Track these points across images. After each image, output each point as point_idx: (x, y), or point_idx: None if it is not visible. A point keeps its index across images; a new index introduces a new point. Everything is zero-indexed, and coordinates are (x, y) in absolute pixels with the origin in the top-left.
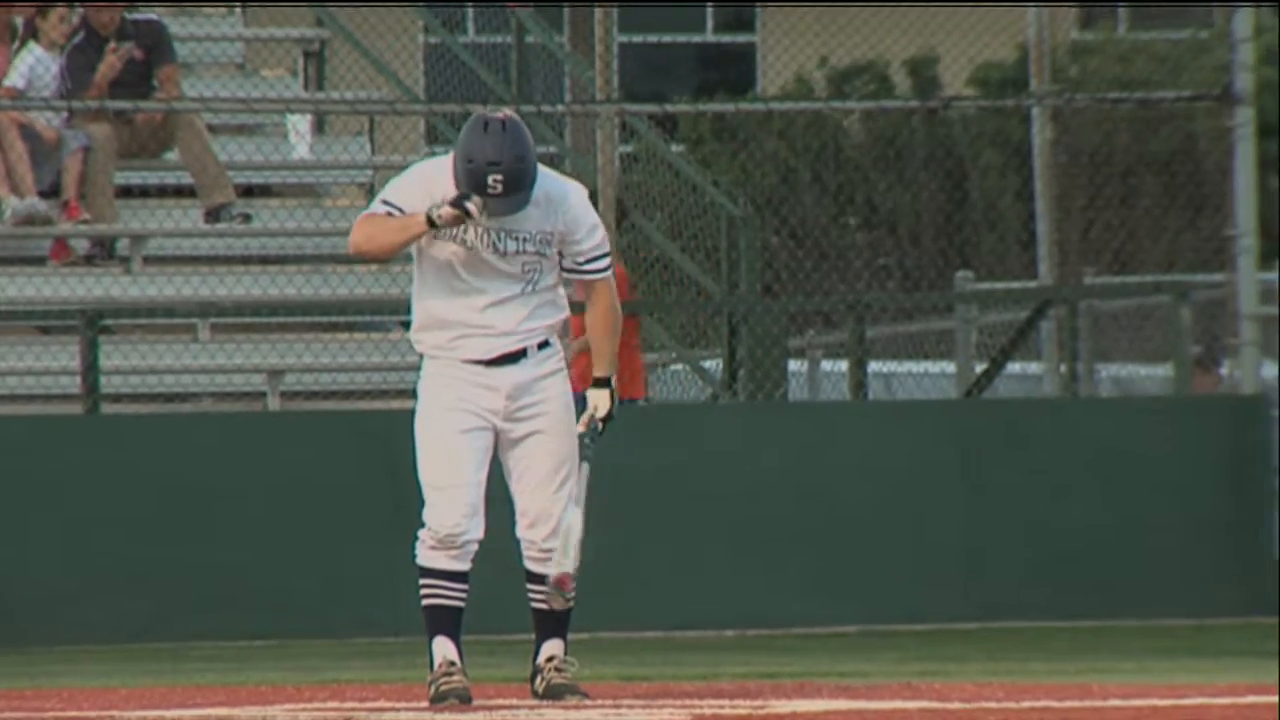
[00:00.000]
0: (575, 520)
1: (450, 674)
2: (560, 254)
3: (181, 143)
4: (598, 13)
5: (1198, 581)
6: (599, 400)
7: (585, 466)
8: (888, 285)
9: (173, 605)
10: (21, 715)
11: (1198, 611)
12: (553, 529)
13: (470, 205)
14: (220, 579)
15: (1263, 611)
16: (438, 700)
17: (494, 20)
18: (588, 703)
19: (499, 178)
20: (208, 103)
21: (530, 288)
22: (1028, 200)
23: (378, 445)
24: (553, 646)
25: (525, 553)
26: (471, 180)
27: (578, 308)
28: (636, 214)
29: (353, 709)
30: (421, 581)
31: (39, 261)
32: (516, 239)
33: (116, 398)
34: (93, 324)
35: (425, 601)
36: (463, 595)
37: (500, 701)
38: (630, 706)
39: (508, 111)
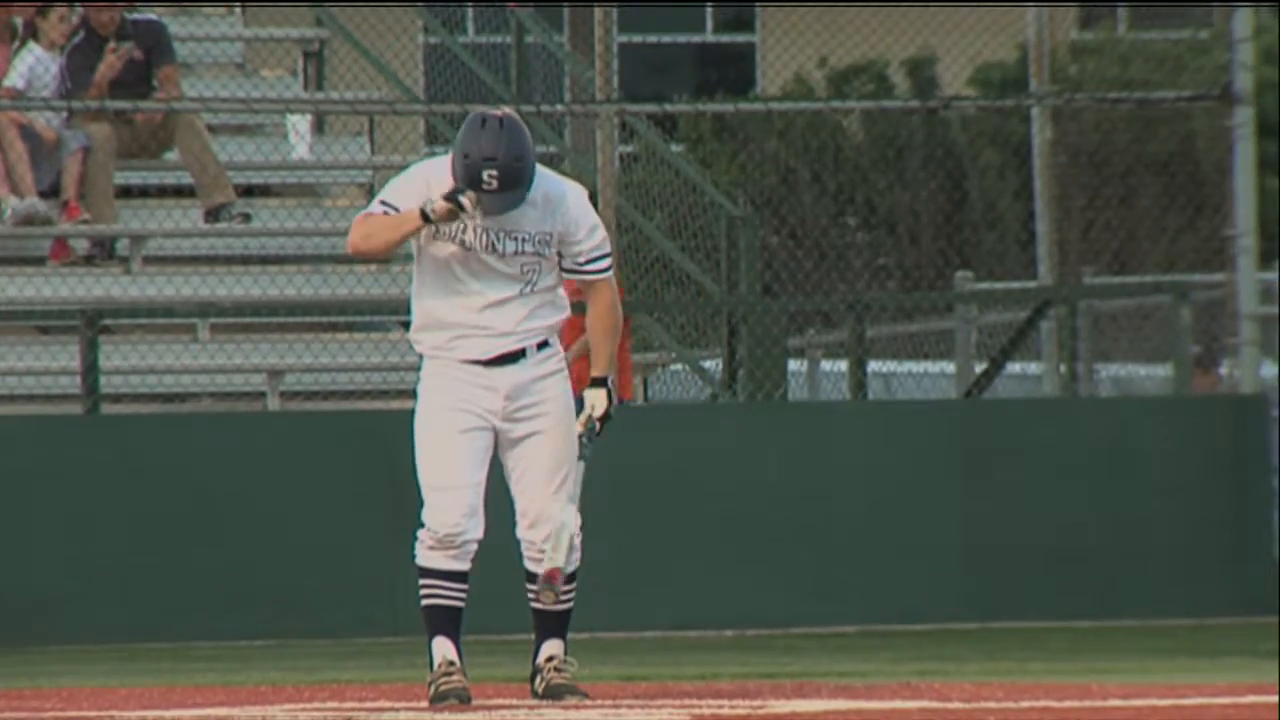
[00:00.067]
0: (568, 517)
1: (450, 674)
2: (560, 254)
3: (181, 143)
4: (597, 13)
5: (1197, 581)
6: (596, 400)
7: (581, 465)
8: (887, 285)
9: (173, 605)
10: (22, 715)
11: (1197, 611)
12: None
13: (464, 199)
14: (220, 579)
15: (1262, 611)
16: (437, 700)
17: (494, 20)
18: (587, 703)
19: (494, 174)
20: (207, 103)
21: (529, 288)
22: (1027, 200)
23: (377, 445)
24: (552, 646)
25: (525, 553)
26: (468, 176)
27: (578, 308)
28: (632, 212)
29: (353, 709)
30: (421, 581)
31: (39, 261)
32: (515, 239)
33: (116, 398)
34: (93, 324)
35: (425, 601)
36: (462, 595)
37: (500, 701)
38: (629, 707)
39: (506, 110)
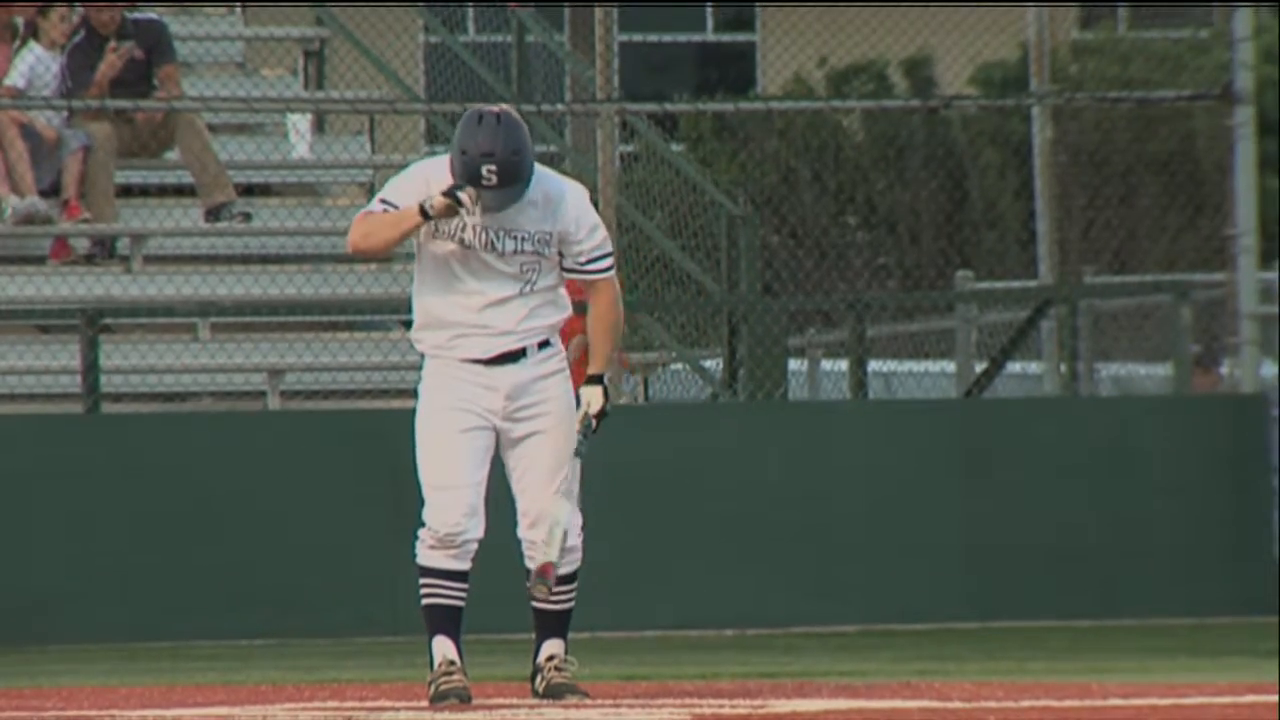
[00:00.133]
0: (561, 513)
1: (450, 673)
2: (561, 254)
3: (182, 142)
4: (598, 12)
5: (1197, 581)
6: (593, 397)
7: (577, 463)
8: (888, 284)
9: (173, 604)
10: (22, 714)
11: (1197, 611)
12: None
13: (462, 195)
14: (220, 578)
15: (1262, 611)
16: (437, 700)
17: (494, 20)
18: (587, 702)
19: (493, 168)
20: (208, 102)
21: (529, 287)
22: (1028, 199)
23: (378, 445)
24: (553, 646)
25: (526, 552)
26: (466, 172)
27: (579, 308)
28: (633, 211)
29: (353, 708)
30: (421, 581)
31: (39, 261)
32: (515, 238)
33: (117, 397)
34: (93, 323)
35: (425, 601)
36: (462, 595)
37: (500, 701)
38: (630, 706)
39: (504, 106)
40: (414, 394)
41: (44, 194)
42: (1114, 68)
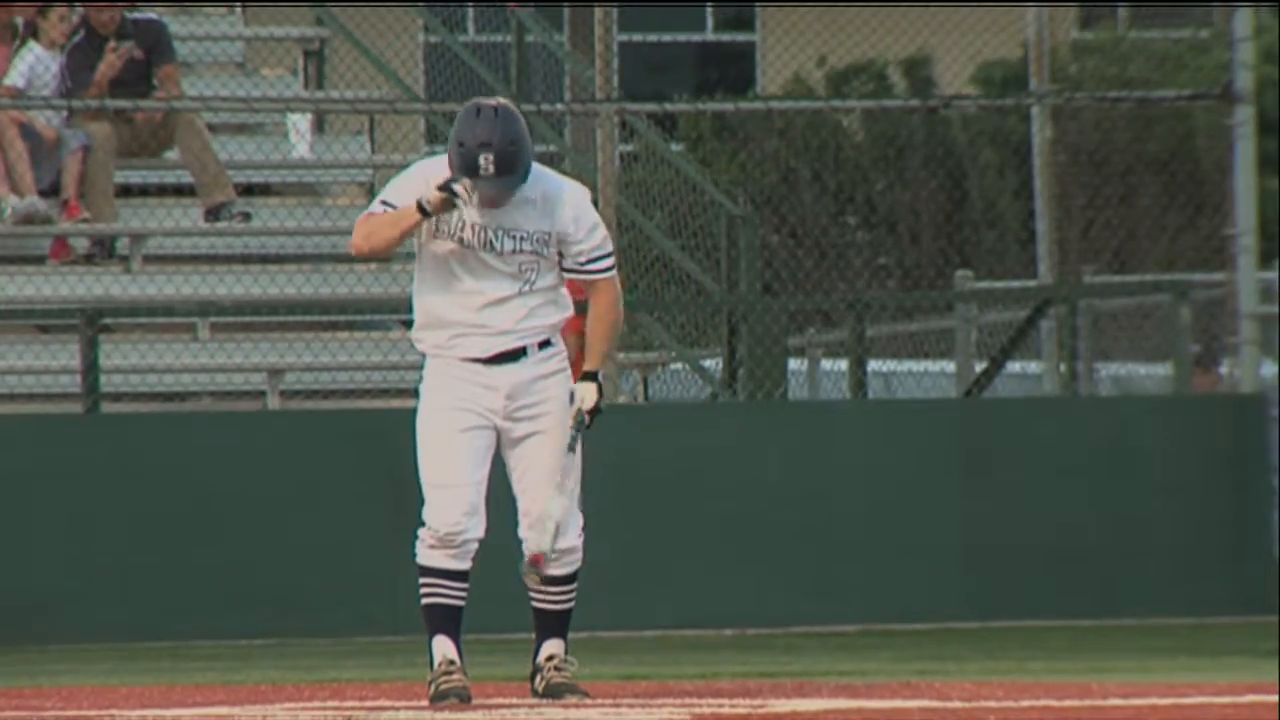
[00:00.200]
0: (553, 506)
1: (450, 673)
2: (561, 254)
3: (181, 142)
4: (598, 12)
5: (1197, 580)
6: (586, 393)
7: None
8: (887, 284)
9: (173, 604)
10: (22, 714)
11: (1197, 610)
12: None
13: (457, 187)
14: (220, 578)
15: (1262, 610)
16: (437, 699)
17: (494, 19)
18: (587, 702)
19: (490, 157)
20: (208, 102)
21: (528, 287)
22: (1027, 199)
23: (377, 444)
24: (553, 646)
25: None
26: (463, 162)
27: (579, 308)
28: (632, 211)
29: (353, 708)
30: (421, 580)
31: (39, 260)
32: (513, 238)
33: (116, 397)
34: (93, 323)
35: (425, 600)
36: (463, 594)
37: (500, 700)
38: (630, 706)
39: (502, 99)
40: (414, 394)
41: (44, 194)
42: (1113, 68)
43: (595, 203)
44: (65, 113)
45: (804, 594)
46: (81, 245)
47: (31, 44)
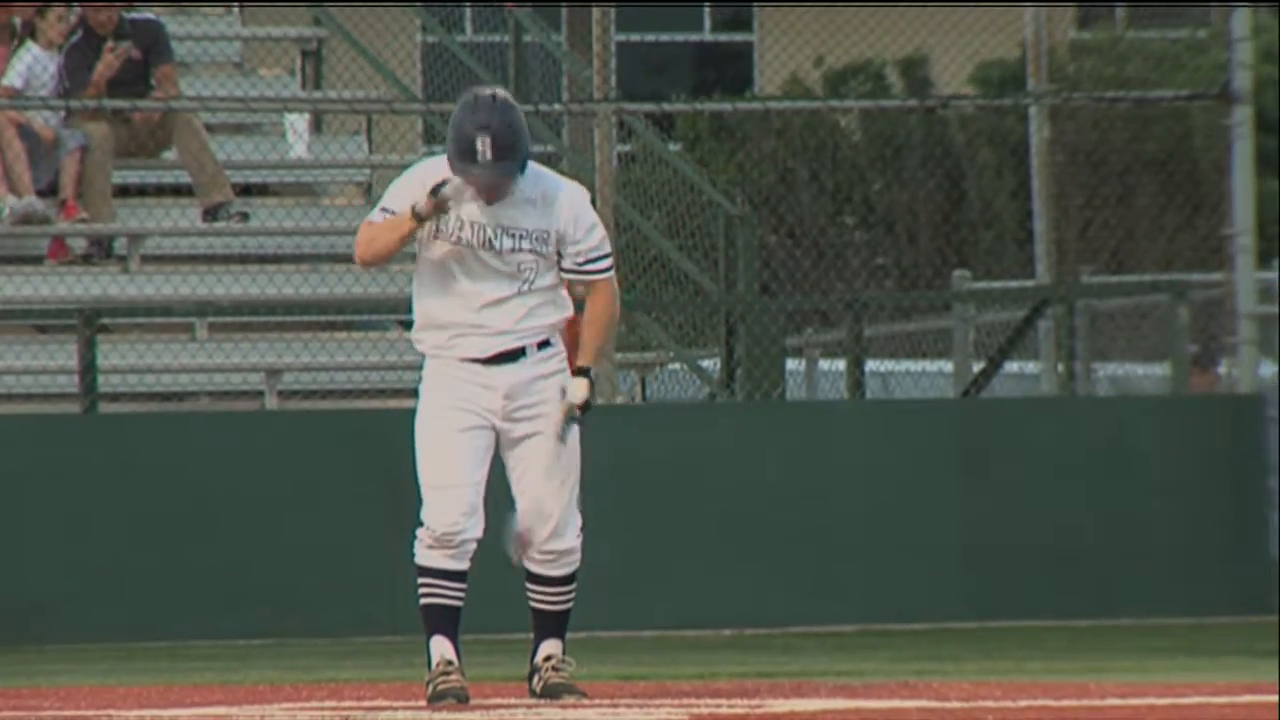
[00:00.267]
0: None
1: (448, 673)
2: (560, 254)
3: (179, 142)
4: (595, 12)
5: (1195, 580)
6: (577, 388)
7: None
8: (885, 284)
9: (171, 604)
10: (19, 714)
11: (1195, 610)
12: (553, 529)
13: (446, 189)
14: (218, 578)
15: (1260, 610)
16: (435, 700)
17: (491, 19)
18: (585, 702)
19: (487, 141)
20: (205, 102)
21: (526, 286)
22: (1025, 199)
23: (375, 444)
24: (550, 646)
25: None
26: (461, 148)
27: (578, 307)
28: (630, 211)
29: (350, 708)
30: (419, 580)
31: (36, 261)
32: (512, 236)
33: (114, 397)
34: (90, 323)
35: (423, 600)
36: (461, 594)
37: (498, 701)
38: (628, 706)
39: (500, 89)
40: (412, 394)
41: (41, 194)
42: (1111, 68)
43: (593, 203)
44: (63, 113)
45: (802, 594)
46: (79, 245)
47: (29, 44)
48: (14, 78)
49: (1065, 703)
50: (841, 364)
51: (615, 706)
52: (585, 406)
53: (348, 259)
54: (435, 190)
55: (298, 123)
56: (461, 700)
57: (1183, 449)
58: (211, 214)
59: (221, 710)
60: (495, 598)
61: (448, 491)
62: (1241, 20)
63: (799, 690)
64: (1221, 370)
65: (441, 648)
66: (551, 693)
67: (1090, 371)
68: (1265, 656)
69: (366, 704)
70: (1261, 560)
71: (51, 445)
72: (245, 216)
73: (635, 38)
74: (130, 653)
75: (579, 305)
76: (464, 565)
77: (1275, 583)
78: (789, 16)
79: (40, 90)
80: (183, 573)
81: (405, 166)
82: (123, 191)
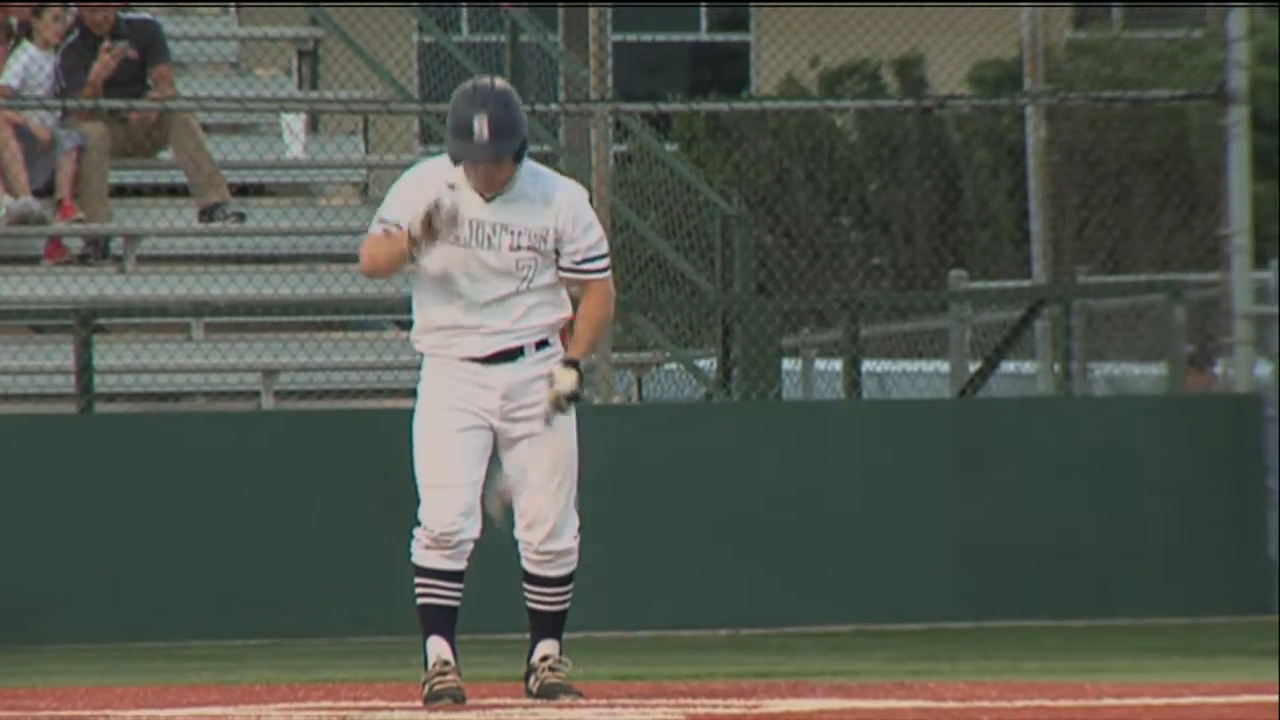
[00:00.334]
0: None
1: (444, 673)
2: (557, 253)
3: (176, 142)
4: (592, 12)
5: (1192, 580)
6: (563, 378)
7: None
8: (881, 284)
9: (167, 604)
10: (16, 714)
11: (1192, 610)
12: (550, 530)
13: (435, 206)
14: (215, 578)
15: (1257, 610)
16: (431, 700)
17: (488, 19)
18: (581, 702)
19: (484, 121)
20: (202, 102)
21: (525, 285)
22: (1021, 199)
23: (372, 444)
24: (547, 646)
25: (523, 554)
26: (458, 129)
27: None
28: (627, 211)
29: (347, 708)
30: (416, 580)
31: (33, 261)
32: (512, 233)
33: (110, 397)
34: (87, 323)
35: (420, 601)
36: (457, 595)
37: (494, 701)
38: (624, 706)
39: (499, 78)
40: (408, 394)
41: (38, 194)
42: (1107, 68)
43: (590, 202)
44: (59, 113)
45: (798, 594)
46: (76, 245)
47: (26, 44)
48: (10, 78)
49: (1061, 703)
50: (838, 364)
51: (611, 707)
52: (573, 397)
53: (344, 259)
54: (429, 219)
55: (294, 123)
56: (458, 700)
57: (1179, 449)
58: (208, 214)
59: (218, 710)
60: (492, 598)
61: (445, 491)
62: (1237, 20)
63: (795, 690)
64: (1217, 370)
65: (438, 648)
66: (548, 693)
67: (1086, 371)
68: (1263, 656)
69: (363, 704)
70: (1258, 560)
71: (48, 445)
72: (241, 217)
73: (632, 38)
74: (127, 653)
75: (575, 306)
76: (461, 565)
77: (1273, 582)
78: (785, 16)
79: (36, 90)
80: (179, 573)
81: (402, 166)
82: (119, 191)
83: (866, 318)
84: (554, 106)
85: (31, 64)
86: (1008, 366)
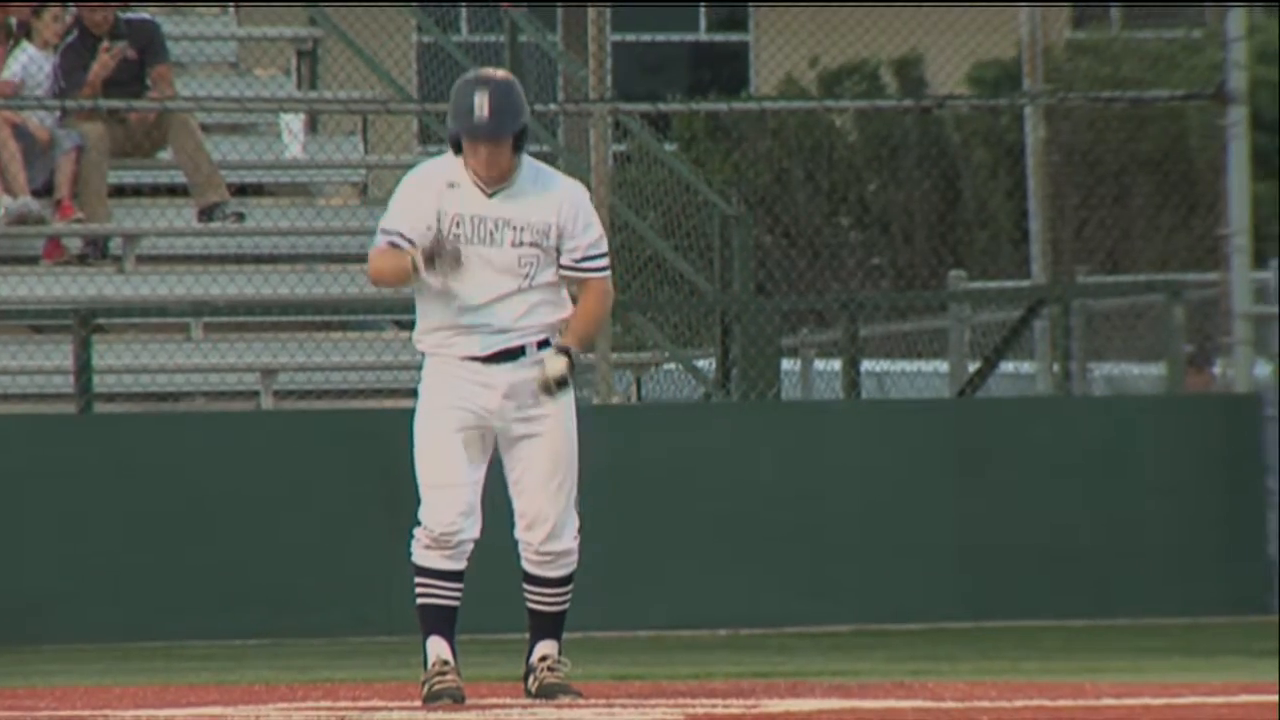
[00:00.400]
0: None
1: (444, 673)
2: (558, 251)
3: (175, 142)
4: (591, 12)
5: (1191, 580)
6: (554, 363)
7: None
8: (881, 284)
9: (166, 604)
10: (15, 714)
11: (1191, 610)
12: (550, 530)
13: (439, 244)
14: (214, 578)
15: (1257, 610)
16: (430, 700)
17: (487, 19)
18: (580, 702)
19: (485, 99)
20: (201, 102)
21: (527, 282)
22: (1020, 199)
23: (371, 444)
24: (546, 646)
25: (523, 554)
26: (459, 110)
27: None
28: (626, 211)
29: (346, 708)
30: (416, 580)
31: (32, 261)
32: (514, 229)
33: (110, 397)
34: (86, 323)
35: (419, 600)
36: (457, 595)
37: (493, 701)
38: (623, 706)
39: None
40: (407, 394)
41: (37, 194)
42: (1106, 68)
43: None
44: (58, 113)
45: (798, 594)
46: (75, 245)
47: (25, 44)
48: (9, 77)
49: (1061, 703)
50: (837, 364)
51: (610, 707)
52: (562, 382)
53: (343, 259)
54: (432, 258)
55: (293, 123)
56: (457, 700)
57: (1178, 449)
58: (207, 214)
59: (217, 710)
60: (492, 598)
61: (445, 491)
62: (1237, 20)
63: (794, 690)
64: (1217, 370)
65: (437, 648)
66: (547, 693)
67: (1086, 371)
68: (1262, 656)
69: (362, 704)
70: (1258, 560)
71: (47, 445)
72: (241, 216)
73: (631, 38)
74: (126, 653)
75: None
76: (461, 565)
77: (1273, 582)
78: (784, 16)
79: (36, 90)
80: (178, 573)
81: (401, 166)
82: (118, 191)
83: (866, 318)
84: (553, 106)
85: (31, 64)
86: (1007, 366)
